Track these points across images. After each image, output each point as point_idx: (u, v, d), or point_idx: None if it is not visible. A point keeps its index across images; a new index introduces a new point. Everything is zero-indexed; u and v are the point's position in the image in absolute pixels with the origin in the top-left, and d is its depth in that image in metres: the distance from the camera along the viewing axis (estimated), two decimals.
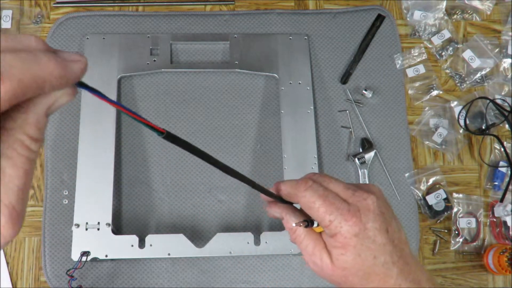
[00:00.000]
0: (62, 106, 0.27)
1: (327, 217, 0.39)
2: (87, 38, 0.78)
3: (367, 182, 0.76)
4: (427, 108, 0.81)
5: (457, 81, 0.82)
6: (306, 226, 0.42)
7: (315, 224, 0.42)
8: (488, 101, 0.80)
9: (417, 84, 0.82)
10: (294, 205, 0.46)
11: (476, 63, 0.82)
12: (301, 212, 0.44)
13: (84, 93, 0.74)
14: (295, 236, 0.43)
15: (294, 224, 0.43)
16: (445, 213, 0.76)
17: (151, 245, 0.69)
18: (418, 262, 0.43)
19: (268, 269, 0.73)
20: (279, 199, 0.45)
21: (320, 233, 0.42)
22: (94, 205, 0.70)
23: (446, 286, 0.76)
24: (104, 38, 0.78)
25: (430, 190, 0.77)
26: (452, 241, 0.77)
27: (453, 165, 0.80)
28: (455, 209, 0.77)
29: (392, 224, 0.41)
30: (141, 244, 0.69)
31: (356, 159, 0.76)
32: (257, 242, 0.70)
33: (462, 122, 0.80)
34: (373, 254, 0.39)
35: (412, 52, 0.82)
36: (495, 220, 0.78)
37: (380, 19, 0.83)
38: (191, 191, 0.75)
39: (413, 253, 0.43)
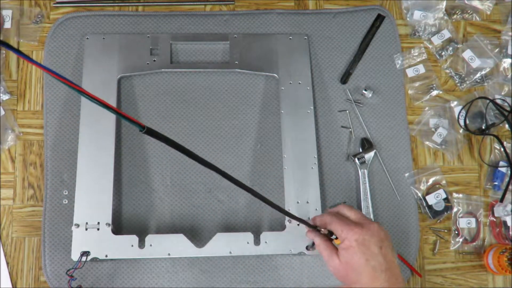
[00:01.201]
0: None
1: (339, 228, 0.58)
2: (87, 38, 0.78)
3: (367, 182, 0.76)
4: (427, 108, 0.81)
5: (457, 81, 0.82)
6: (329, 236, 0.63)
7: (334, 237, 0.62)
8: (488, 101, 0.80)
9: (417, 84, 0.82)
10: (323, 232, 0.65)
11: (476, 63, 0.82)
12: (325, 236, 0.63)
13: None
14: (319, 249, 0.62)
15: (318, 237, 0.63)
16: (445, 213, 0.76)
17: (151, 245, 0.69)
18: (406, 284, 0.62)
19: (268, 269, 0.73)
20: (313, 227, 0.65)
21: (335, 245, 0.61)
22: (94, 205, 0.70)
23: (446, 286, 0.76)
24: (104, 38, 0.78)
25: (430, 190, 0.77)
26: (452, 241, 0.77)
27: (453, 165, 0.80)
28: (455, 209, 0.77)
29: (387, 246, 0.57)
30: (141, 244, 0.69)
31: (356, 159, 0.76)
32: (257, 242, 0.70)
33: (462, 122, 0.80)
34: (366, 257, 0.55)
35: (412, 52, 0.82)
36: (495, 220, 0.78)
37: (380, 19, 0.83)
38: (191, 191, 0.75)
39: (403, 278, 0.58)
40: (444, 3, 0.83)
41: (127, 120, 0.36)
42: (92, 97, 0.33)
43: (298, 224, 0.71)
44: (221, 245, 0.70)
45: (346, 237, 0.57)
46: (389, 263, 0.55)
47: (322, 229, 0.64)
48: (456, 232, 0.77)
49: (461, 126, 0.80)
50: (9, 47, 0.29)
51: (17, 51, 0.29)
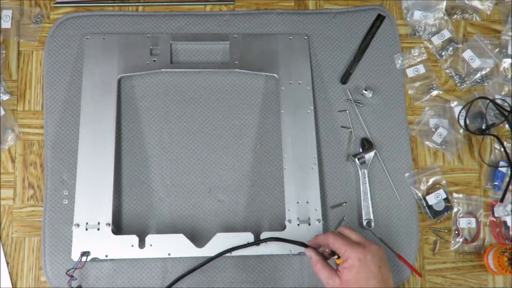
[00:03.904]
0: None
1: (343, 248, 0.61)
2: (87, 38, 0.78)
3: (367, 182, 0.76)
4: (427, 108, 0.81)
5: (457, 81, 0.82)
6: (331, 255, 0.65)
7: (336, 256, 0.63)
8: (488, 101, 0.80)
9: (417, 84, 0.82)
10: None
11: (476, 63, 0.82)
12: (322, 255, 0.66)
13: (84, 94, 0.74)
14: (315, 268, 0.64)
15: (323, 253, 0.66)
16: (445, 213, 0.76)
17: (151, 245, 0.69)
18: None
19: (268, 269, 0.73)
20: (305, 245, 0.68)
21: (334, 264, 0.63)
22: (94, 205, 0.70)
23: (446, 286, 0.76)
24: (104, 38, 0.78)
25: (430, 190, 0.77)
26: (452, 241, 0.77)
27: (453, 165, 0.80)
28: (455, 209, 0.77)
29: (385, 267, 0.61)
30: (141, 244, 0.69)
31: (356, 159, 0.76)
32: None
33: (462, 122, 0.80)
34: (367, 276, 0.59)
35: (412, 52, 0.82)
36: (495, 220, 0.78)
37: (380, 19, 0.83)
38: (191, 191, 0.75)
39: None
40: (444, 3, 0.83)
41: None
42: None
43: (298, 224, 0.71)
44: (221, 245, 0.70)
45: (350, 257, 0.60)
46: (386, 283, 0.60)
47: (326, 250, 0.65)
48: (456, 232, 0.77)
49: (461, 126, 0.80)
50: None
51: None
